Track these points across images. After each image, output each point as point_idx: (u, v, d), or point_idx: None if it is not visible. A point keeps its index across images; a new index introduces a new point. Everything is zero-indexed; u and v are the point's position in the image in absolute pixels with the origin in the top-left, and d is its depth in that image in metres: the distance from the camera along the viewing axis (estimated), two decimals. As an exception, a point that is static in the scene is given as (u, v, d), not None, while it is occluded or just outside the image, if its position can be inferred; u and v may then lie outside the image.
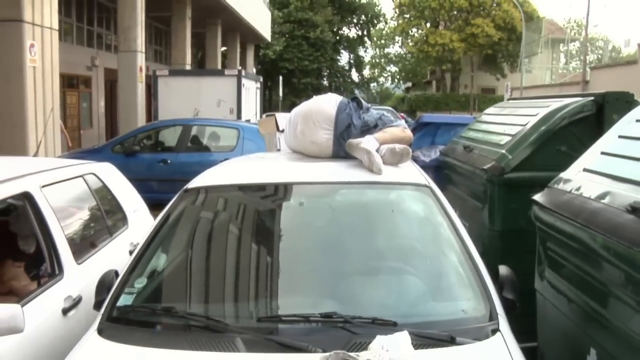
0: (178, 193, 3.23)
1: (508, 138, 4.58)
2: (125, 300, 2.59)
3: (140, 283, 2.68)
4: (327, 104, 3.78)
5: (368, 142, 3.39)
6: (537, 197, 3.10)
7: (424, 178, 3.27)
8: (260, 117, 20.91)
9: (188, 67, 22.16)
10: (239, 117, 16.62)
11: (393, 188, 3.19)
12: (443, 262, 2.82)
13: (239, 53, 32.62)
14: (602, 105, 4.38)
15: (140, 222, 5.05)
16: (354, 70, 58.61)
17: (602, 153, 2.90)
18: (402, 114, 20.05)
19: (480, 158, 4.74)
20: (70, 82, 21.30)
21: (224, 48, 32.05)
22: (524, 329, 3.16)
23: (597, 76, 25.24)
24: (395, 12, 50.02)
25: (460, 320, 2.41)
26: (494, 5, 44.35)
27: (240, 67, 24.00)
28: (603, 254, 2.34)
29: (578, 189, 2.76)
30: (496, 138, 4.83)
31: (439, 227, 2.92)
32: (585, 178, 2.81)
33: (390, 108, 28.25)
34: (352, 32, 56.66)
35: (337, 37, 52.75)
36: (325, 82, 53.72)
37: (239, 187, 3.28)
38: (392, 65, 64.77)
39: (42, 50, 11.32)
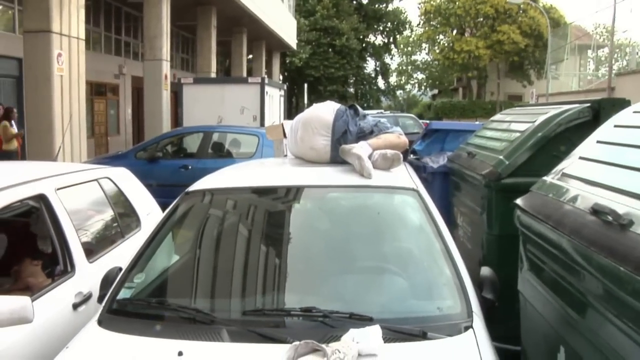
0: (180, 196, 3.43)
1: (506, 144, 4.70)
2: (124, 294, 2.79)
3: (139, 279, 2.88)
4: (325, 111, 3.96)
5: (360, 148, 3.56)
6: (519, 201, 3.23)
7: (413, 182, 3.42)
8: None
9: (213, 75, 22.52)
10: (262, 124, 16.81)
11: (381, 191, 3.36)
12: (424, 263, 2.98)
13: (265, 61, 32.99)
14: (599, 112, 4.48)
15: (153, 224, 5.27)
16: (380, 77, 58.79)
17: (581, 158, 3.03)
18: (425, 122, 20.09)
19: (480, 164, 4.86)
20: (98, 90, 21.81)
21: (250, 56, 32.42)
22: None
23: (623, 83, 24.98)
24: (421, 19, 50.02)
25: (435, 317, 2.55)
26: (520, 11, 44.11)
27: (264, 75, 24.36)
28: (569, 255, 2.47)
29: (555, 193, 2.88)
30: (496, 144, 4.95)
31: (424, 230, 3.07)
32: (563, 182, 2.94)
33: (412, 115, 28.31)
34: (378, 40, 56.91)
35: (363, 45, 52.95)
36: (352, 90, 53.94)
37: (234, 190, 3.49)
38: (418, 73, 64.71)
39: (70, 59, 11.71)
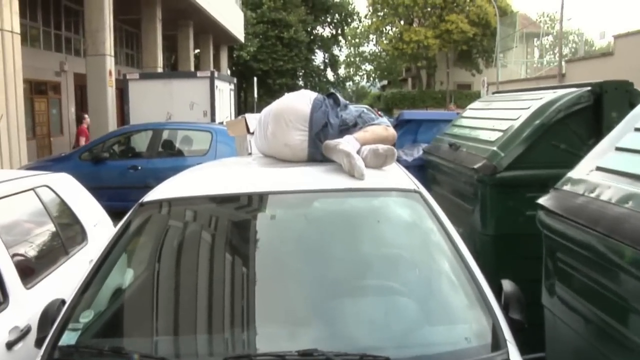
0: (133, 208, 2.82)
1: (499, 134, 4.23)
2: (68, 338, 2.18)
3: (86, 317, 2.27)
4: (300, 101, 3.39)
5: (347, 143, 3.01)
6: (543, 200, 2.74)
7: (412, 182, 2.89)
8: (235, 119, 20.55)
9: (160, 70, 21.66)
10: (212, 119, 16.27)
11: (378, 195, 2.80)
12: (439, 280, 2.45)
13: (212, 55, 32.09)
14: (600, 96, 4.05)
15: (102, 237, 4.64)
16: (329, 69, 58.25)
17: (618, 149, 2.54)
18: (379, 112, 19.69)
19: (469, 156, 4.38)
20: (38, 89, 20.72)
21: (196, 50, 31.53)
22: (524, 340, 2.83)
23: (573, 69, 25.13)
24: (369, 10, 49.75)
25: (464, 351, 2.04)
26: (468, 1, 44.22)
27: (213, 69, 23.61)
28: (629, 268, 1.99)
29: (593, 191, 2.39)
30: (485, 134, 4.48)
31: (433, 239, 2.55)
32: (600, 178, 2.45)
33: (366, 106, 27.92)
34: (326, 32, 56.33)
35: (312, 37, 52.31)
36: (301, 82, 53.31)
37: (199, 199, 2.83)
38: (367, 64, 64.56)
39: (4, 54, 10.81)
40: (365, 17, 53.48)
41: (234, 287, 2.40)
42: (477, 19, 43.51)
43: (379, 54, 59.57)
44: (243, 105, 41.85)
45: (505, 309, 2.30)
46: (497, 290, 2.42)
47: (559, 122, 4.04)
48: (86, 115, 15.02)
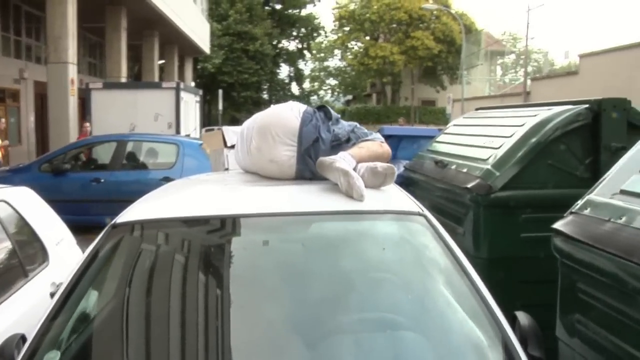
0: (104, 230, 2.49)
1: (492, 152, 4.02)
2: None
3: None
4: (288, 114, 3.11)
5: (343, 161, 2.74)
6: (560, 225, 2.51)
7: (415, 204, 2.63)
8: (200, 132, 20.20)
9: (124, 80, 21.16)
10: (177, 131, 15.93)
11: (380, 218, 2.53)
12: (453, 314, 2.19)
13: (177, 66, 31.64)
14: (598, 114, 3.88)
15: (65, 256, 4.28)
16: (294, 83, 58.13)
17: (642, 171, 2.33)
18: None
19: (460, 175, 4.16)
20: (-5, 96, 20.08)
21: (161, 61, 31.02)
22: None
23: (538, 87, 25.38)
24: (335, 25, 49.84)
25: None
26: (433, 18, 44.58)
27: (178, 80, 23.19)
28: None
29: (621, 217, 2.17)
30: (476, 152, 4.26)
31: (443, 268, 2.30)
32: (626, 202, 2.23)
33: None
34: (292, 45, 56.23)
35: (277, 50, 52.17)
36: (265, 96, 53.07)
37: (182, 221, 2.49)
38: (331, 78, 64.56)
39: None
40: (331, 31, 53.59)
41: (224, 326, 2.09)
42: (442, 36, 43.89)
43: (343, 68, 59.63)
44: (207, 118, 41.28)
45: (522, 344, 2.06)
46: (511, 321, 2.18)
47: (555, 140, 3.85)
48: (87, 124, 14.91)
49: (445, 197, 4.39)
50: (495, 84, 42.32)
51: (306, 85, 62.30)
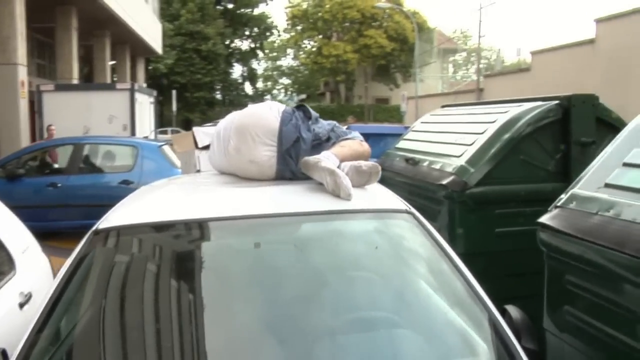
0: (86, 236, 2.41)
1: (464, 148, 4.06)
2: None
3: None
4: (267, 114, 3.07)
5: (328, 160, 2.73)
6: (547, 219, 2.54)
7: (401, 202, 2.63)
8: (156, 134, 19.92)
9: (75, 82, 20.71)
10: (133, 133, 15.68)
11: (369, 217, 2.53)
12: (447, 310, 2.20)
13: (129, 67, 31.12)
14: (568, 109, 3.96)
15: (32, 264, 4.15)
16: (247, 83, 57.84)
17: (626, 165, 2.37)
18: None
19: (433, 172, 4.19)
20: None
21: (112, 62, 30.48)
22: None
23: (491, 84, 25.76)
24: (288, 24, 49.75)
25: None
26: (386, 16, 44.88)
27: (132, 81, 22.82)
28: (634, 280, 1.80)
29: (609, 210, 2.21)
30: (448, 149, 4.30)
31: (435, 264, 2.31)
32: (612, 195, 2.27)
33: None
34: (244, 45, 55.92)
35: (230, 50, 51.84)
36: (219, 96, 52.67)
37: (168, 225, 2.40)
38: (284, 78, 64.51)
39: None
40: (284, 31, 53.48)
41: (215, 332, 2.04)
42: (395, 35, 44.20)
43: (296, 67, 59.61)
44: (160, 119, 40.76)
45: (516, 338, 2.07)
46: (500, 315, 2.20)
47: (527, 136, 3.92)
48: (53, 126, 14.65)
49: (417, 194, 4.41)
50: (447, 81, 42.86)
51: (259, 84, 62.12)
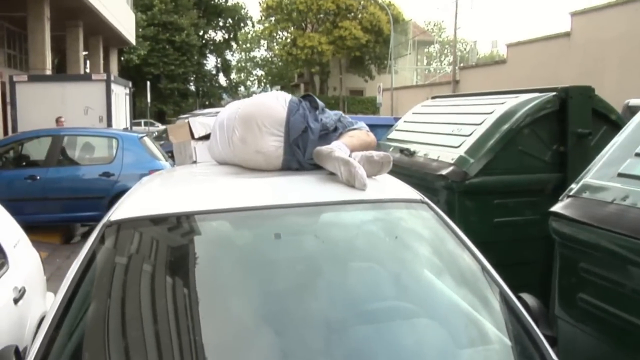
0: (98, 228, 2.35)
1: (463, 139, 4.08)
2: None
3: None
4: (274, 104, 3.05)
5: (339, 150, 2.72)
6: (560, 208, 2.56)
7: (415, 192, 2.64)
8: (130, 125, 19.71)
9: (48, 73, 20.38)
10: (109, 125, 15.51)
11: (386, 207, 2.52)
12: (468, 298, 2.22)
13: (102, 58, 30.68)
14: (565, 101, 3.99)
15: (24, 259, 4.09)
16: (221, 74, 57.47)
17: (638, 155, 2.40)
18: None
19: (431, 162, 4.21)
20: None
21: (85, 52, 30.03)
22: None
23: (467, 76, 25.95)
24: (262, 15, 49.49)
25: None
26: (361, 8, 44.87)
27: (104, 72, 22.52)
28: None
29: (625, 199, 2.24)
30: (445, 139, 4.32)
31: (453, 252, 2.32)
32: (626, 184, 2.30)
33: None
34: (218, 36, 55.53)
35: (204, 41, 51.42)
36: (192, 88, 52.27)
37: (187, 215, 2.34)
38: (258, 69, 64.22)
39: None
40: (258, 22, 53.18)
41: (241, 325, 2.02)
42: (369, 26, 44.20)
43: (270, 59, 59.36)
44: (133, 111, 40.29)
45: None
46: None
47: (526, 127, 3.95)
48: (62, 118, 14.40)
49: (414, 184, 4.39)
50: (422, 73, 43.04)
51: (233, 76, 61.79)
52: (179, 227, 2.39)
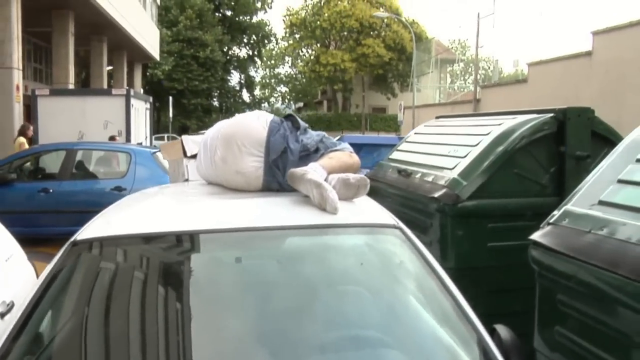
0: (63, 247, 2.33)
1: (457, 160, 3.99)
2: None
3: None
4: (254, 123, 3.00)
5: (315, 172, 2.65)
6: (538, 236, 2.46)
7: (390, 217, 2.56)
8: (151, 140, 19.85)
9: (71, 87, 20.63)
10: (127, 139, 15.60)
11: (356, 232, 2.45)
12: (434, 331, 2.13)
13: (126, 73, 31.04)
14: (563, 122, 3.89)
15: (16, 272, 4.07)
16: (244, 90, 57.75)
17: (621, 181, 2.30)
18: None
19: (425, 184, 4.12)
20: None
21: (109, 67, 30.40)
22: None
23: (488, 95, 25.74)
24: (286, 32, 49.80)
25: None
26: (384, 26, 44.95)
27: (127, 87, 22.72)
28: (629, 303, 1.73)
29: (603, 228, 2.13)
30: (441, 161, 4.22)
31: (422, 282, 2.23)
32: (606, 212, 2.20)
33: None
34: (242, 52, 55.89)
35: (228, 57, 51.78)
36: (216, 103, 52.64)
37: (147, 237, 2.31)
38: (282, 86, 64.49)
39: None
40: (282, 38, 53.50)
41: (188, 346, 1.96)
42: (393, 44, 44.27)
43: (294, 76, 59.61)
44: (156, 126, 40.65)
45: (505, 359, 2.00)
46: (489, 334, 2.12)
47: (522, 149, 3.85)
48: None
49: (409, 206, 4.34)
50: (445, 91, 42.90)
51: (257, 92, 62.08)
52: (139, 248, 2.35)
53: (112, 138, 14.41)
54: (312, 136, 3.07)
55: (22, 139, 12.97)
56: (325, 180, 2.68)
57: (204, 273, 2.30)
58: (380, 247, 2.43)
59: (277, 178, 2.89)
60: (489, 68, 55.51)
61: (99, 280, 2.30)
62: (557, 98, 16.26)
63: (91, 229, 2.40)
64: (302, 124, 3.10)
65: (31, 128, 13.55)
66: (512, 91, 23.38)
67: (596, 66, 17.64)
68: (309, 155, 2.96)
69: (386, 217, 2.54)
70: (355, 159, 3.10)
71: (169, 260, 2.37)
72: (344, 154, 3.04)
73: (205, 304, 2.14)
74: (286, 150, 2.91)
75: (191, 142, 4.19)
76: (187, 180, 4.10)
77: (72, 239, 2.35)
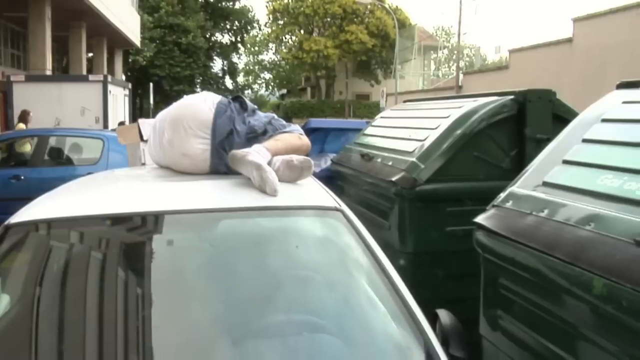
0: None
1: (417, 144, 3.93)
2: None
3: None
4: (201, 105, 2.93)
5: (257, 154, 2.59)
6: (482, 219, 2.41)
7: (332, 199, 2.50)
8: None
9: (49, 73, 20.36)
10: (105, 126, 15.43)
11: (294, 214, 2.39)
12: (371, 315, 2.08)
13: (107, 59, 30.66)
14: (524, 105, 3.84)
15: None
16: (227, 77, 57.35)
17: (565, 162, 2.25)
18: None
19: (385, 168, 4.06)
20: None
21: (90, 54, 30.03)
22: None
23: (470, 81, 25.76)
24: (269, 18, 49.48)
25: None
26: (368, 12, 44.77)
27: (106, 74, 22.49)
28: (596, 300, 1.68)
29: (543, 210, 2.08)
30: (401, 144, 4.17)
31: (360, 266, 2.18)
32: (549, 194, 2.15)
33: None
34: (225, 38, 55.45)
35: (210, 44, 51.34)
36: (199, 90, 52.22)
37: (78, 220, 2.25)
38: (266, 72, 64.15)
39: None
40: (265, 25, 53.17)
41: (120, 331, 1.90)
42: (376, 31, 44.12)
43: (278, 62, 59.31)
44: (139, 112, 40.32)
45: (444, 344, 1.95)
46: (432, 319, 2.08)
47: (481, 132, 3.80)
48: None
49: (371, 191, 4.29)
50: (428, 78, 42.85)
51: (240, 79, 61.71)
52: (74, 231, 2.29)
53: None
54: (260, 118, 3.01)
55: (22, 126, 12.79)
56: (270, 162, 2.62)
57: (133, 255, 2.24)
58: (320, 230, 2.38)
59: (224, 160, 2.83)
60: (473, 55, 55.53)
61: (32, 267, 2.24)
62: (538, 85, 16.09)
63: (29, 211, 2.37)
64: (250, 105, 3.04)
65: (31, 114, 13.37)
66: (494, 78, 23.39)
67: (577, 53, 17.66)
68: (256, 137, 2.90)
69: (328, 199, 2.48)
70: (304, 140, 3.04)
71: (99, 243, 2.31)
72: (292, 136, 2.97)
73: (133, 286, 2.08)
74: (232, 131, 2.85)
75: (147, 125, 4.11)
76: (144, 163, 4.02)
77: (6, 222, 2.28)
